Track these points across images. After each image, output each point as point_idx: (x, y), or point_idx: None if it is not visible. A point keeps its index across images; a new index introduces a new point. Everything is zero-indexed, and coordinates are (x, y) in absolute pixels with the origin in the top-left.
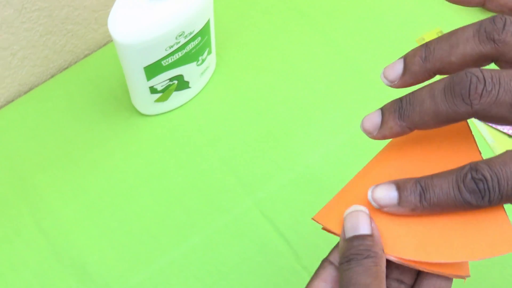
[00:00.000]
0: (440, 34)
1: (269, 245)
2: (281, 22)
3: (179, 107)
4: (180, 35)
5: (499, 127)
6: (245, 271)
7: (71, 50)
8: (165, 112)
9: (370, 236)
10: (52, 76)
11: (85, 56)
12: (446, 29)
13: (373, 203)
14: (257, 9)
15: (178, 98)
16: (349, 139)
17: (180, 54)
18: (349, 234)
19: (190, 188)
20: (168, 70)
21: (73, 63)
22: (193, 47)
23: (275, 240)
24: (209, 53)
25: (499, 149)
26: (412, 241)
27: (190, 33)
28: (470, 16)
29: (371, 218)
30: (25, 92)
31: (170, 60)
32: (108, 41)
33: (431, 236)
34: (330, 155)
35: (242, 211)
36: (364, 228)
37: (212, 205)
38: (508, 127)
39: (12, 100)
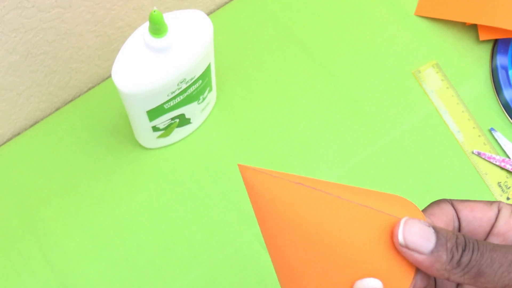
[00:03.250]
0: (436, 67)
1: (269, 277)
2: (281, 55)
3: (180, 140)
4: (181, 82)
5: (491, 159)
6: None
7: (75, 85)
8: (167, 145)
9: None
10: (57, 109)
11: (89, 89)
12: (442, 62)
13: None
14: (258, 42)
15: (179, 133)
16: (348, 172)
17: (181, 97)
18: None
19: (192, 221)
20: (170, 111)
21: (77, 96)
22: (194, 90)
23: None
24: (210, 90)
25: (491, 181)
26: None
27: (192, 79)
28: (466, 49)
29: None
30: (31, 125)
31: (172, 103)
32: (110, 74)
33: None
34: None
35: (242, 243)
36: None
37: (213, 238)
38: (500, 159)
39: (18, 134)
